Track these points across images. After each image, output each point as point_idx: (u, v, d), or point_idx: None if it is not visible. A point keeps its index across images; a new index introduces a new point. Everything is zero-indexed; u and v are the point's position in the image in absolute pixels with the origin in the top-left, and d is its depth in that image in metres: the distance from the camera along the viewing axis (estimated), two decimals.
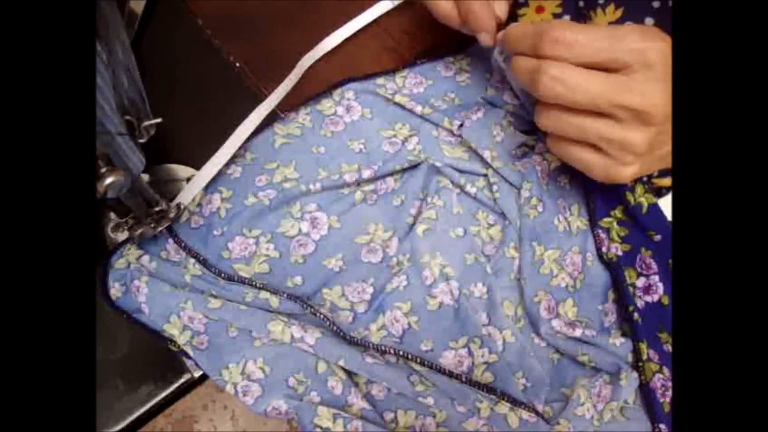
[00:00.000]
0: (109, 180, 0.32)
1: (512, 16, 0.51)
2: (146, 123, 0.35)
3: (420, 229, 0.40)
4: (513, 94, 0.44)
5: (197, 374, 0.38)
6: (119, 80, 0.31)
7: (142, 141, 0.35)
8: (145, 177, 0.40)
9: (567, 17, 0.45)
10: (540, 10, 0.46)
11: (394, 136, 0.45)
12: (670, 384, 0.37)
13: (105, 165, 0.32)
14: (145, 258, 0.39)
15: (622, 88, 0.32)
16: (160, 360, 0.38)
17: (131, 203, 0.38)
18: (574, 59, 0.33)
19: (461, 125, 0.44)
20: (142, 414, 0.37)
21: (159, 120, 0.35)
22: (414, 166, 0.43)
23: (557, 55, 0.33)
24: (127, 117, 0.33)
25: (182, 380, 0.38)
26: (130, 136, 0.33)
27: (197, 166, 0.44)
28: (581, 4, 0.43)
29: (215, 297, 0.38)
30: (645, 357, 0.37)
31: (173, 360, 0.38)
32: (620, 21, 0.41)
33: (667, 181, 0.44)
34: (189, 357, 0.37)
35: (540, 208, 0.41)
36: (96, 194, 0.34)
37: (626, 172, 0.34)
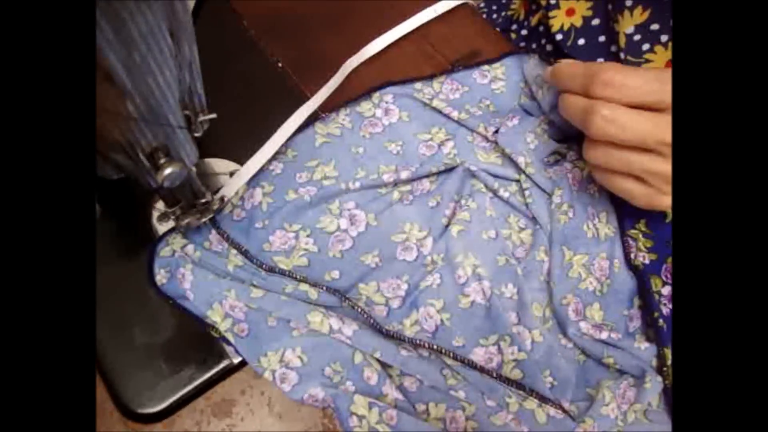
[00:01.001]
0: (167, 171, 0.33)
1: (542, 20, 0.53)
2: (202, 118, 0.36)
3: (454, 229, 0.42)
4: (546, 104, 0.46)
5: (236, 360, 0.39)
6: (183, 76, 0.33)
7: (197, 135, 0.36)
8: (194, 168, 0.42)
9: (597, 20, 0.46)
10: (570, 12, 0.48)
11: (431, 139, 0.46)
12: None
13: (164, 156, 0.34)
14: (190, 247, 0.41)
15: (669, 128, 0.34)
16: (201, 345, 0.40)
17: (180, 194, 0.39)
18: (624, 100, 0.35)
19: (496, 131, 0.45)
20: (183, 395, 0.38)
21: (214, 115, 0.37)
22: (449, 169, 0.45)
23: (607, 96, 0.35)
24: (186, 111, 0.35)
25: (222, 365, 0.39)
26: (187, 130, 0.35)
27: (238, 161, 0.45)
28: (609, 6, 0.45)
29: (257, 287, 0.40)
30: (669, 362, 0.38)
31: (213, 345, 0.40)
32: (647, 23, 0.43)
33: None
34: (229, 343, 0.39)
35: (570, 214, 0.43)
36: (154, 184, 0.36)
37: (667, 201, 0.37)
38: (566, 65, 0.39)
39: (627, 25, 0.43)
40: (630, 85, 0.35)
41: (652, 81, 0.35)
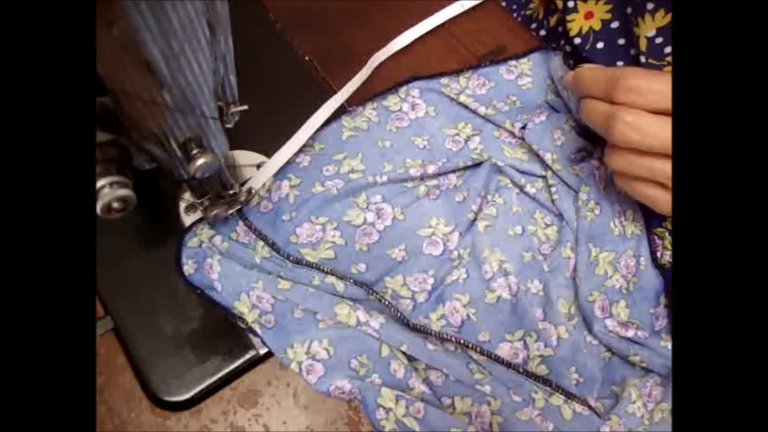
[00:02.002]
0: (200, 161, 0.33)
1: (561, 21, 0.52)
2: (234, 109, 0.36)
3: (481, 225, 0.42)
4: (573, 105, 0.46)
5: (262, 351, 0.39)
6: (217, 68, 0.33)
7: (228, 126, 0.37)
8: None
9: (616, 23, 0.46)
10: (589, 15, 0.47)
11: (457, 134, 0.46)
12: None
13: (197, 147, 0.34)
14: (217, 238, 0.41)
15: None
16: (227, 335, 0.40)
17: (209, 185, 0.40)
18: (648, 106, 0.35)
19: (524, 127, 0.45)
20: (210, 385, 0.38)
21: (245, 107, 0.37)
22: (476, 165, 0.45)
23: (631, 101, 0.35)
24: (219, 102, 0.35)
25: (248, 356, 0.39)
26: (219, 121, 0.35)
27: (265, 153, 0.46)
28: (629, 10, 0.44)
29: (284, 279, 0.40)
30: None
31: (240, 336, 0.40)
32: (668, 28, 0.42)
33: None
34: (256, 334, 0.39)
35: (597, 212, 0.43)
36: (186, 175, 0.36)
37: None
38: (588, 70, 0.39)
39: (648, 28, 0.42)
40: (654, 90, 0.34)
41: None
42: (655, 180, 0.37)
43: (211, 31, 0.30)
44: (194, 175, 0.34)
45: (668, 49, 0.42)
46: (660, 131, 0.34)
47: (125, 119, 0.32)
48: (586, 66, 0.40)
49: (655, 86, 0.34)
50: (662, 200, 0.37)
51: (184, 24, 0.28)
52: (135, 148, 0.35)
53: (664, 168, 0.35)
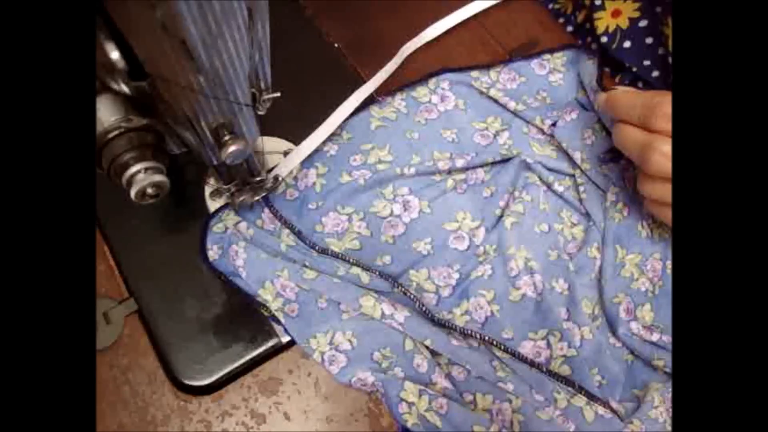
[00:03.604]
0: (232, 148, 0.33)
1: (588, 18, 0.51)
2: (266, 96, 0.36)
3: (508, 221, 0.41)
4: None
5: (285, 340, 0.39)
6: (253, 54, 0.33)
7: (260, 113, 0.36)
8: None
9: (644, 22, 0.45)
10: (617, 13, 0.46)
11: (486, 129, 0.46)
12: None
13: (228, 133, 0.34)
14: (243, 225, 0.41)
15: None
16: (250, 323, 0.40)
17: (236, 171, 0.39)
18: None
19: (554, 124, 0.45)
20: (232, 371, 0.39)
21: (278, 94, 0.37)
22: (505, 160, 0.44)
23: (668, 130, 0.34)
24: (252, 89, 0.35)
25: (270, 344, 0.39)
26: (252, 107, 0.35)
27: (292, 140, 0.45)
28: (658, 9, 0.44)
29: (309, 268, 0.40)
30: None
31: (263, 324, 0.40)
32: None
33: None
34: (279, 323, 0.39)
35: (625, 213, 0.42)
36: (216, 161, 0.36)
37: None
38: (623, 94, 0.38)
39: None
40: None
41: None
42: None
43: (249, 17, 0.30)
44: (224, 161, 0.34)
45: None
46: None
47: (160, 103, 0.32)
48: (621, 89, 0.39)
49: None
50: None
51: (225, 8, 0.28)
52: (167, 133, 0.35)
53: None
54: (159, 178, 0.30)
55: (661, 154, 0.34)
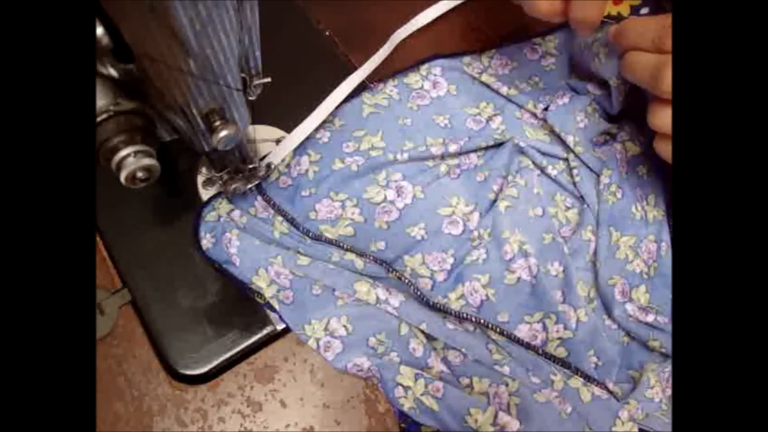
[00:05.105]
0: (223, 133, 0.33)
1: None
2: (257, 81, 0.36)
3: (502, 205, 0.41)
4: (597, 84, 0.45)
5: (279, 327, 0.39)
6: (243, 39, 0.32)
7: (251, 98, 0.36)
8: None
9: (645, 9, 0.45)
10: (617, 1, 0.46)
11: (479, 114, 0.46)
12: None
13: (219, 119, 0.34)
14: (236, 213, 0.41)
15: None
16: (244, 310, 0.40)
17: (228, 159, 0.39)
18: None
19: (546, 108, 0.45)
20: (227, 359, 0.38)
21: (268, 79, 0.36)
22: (498, 145, 0.44)
23: None
24: (242, 74, 0.35)
25: (265, 331, 0.39)
26: (243, 92, 0.35)
27: (284, 128, 0.45)
28: None
29: (303, 254, 0.40)
30: None
31: (257, 311, 0.40)
32: None
33: None
34: (274, 310, 0.39)
35: (619, 195, 0.42)
36: (207, 147, 0.36)
37: None
38: (635, 20, 0.36)
39: None
40: None
41: None
42: None
43: (239, 4, 0.30)
44: (216, 146, 0.34)
45: None
46: None
47: (150, 88, 0.31)
48: (631, 18, 0.38)
49: None
50: None
51: None
52: (158, 119, 0.34)
53: None
54: (149, 161, 0.29)
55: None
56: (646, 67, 0.35)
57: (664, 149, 0.37)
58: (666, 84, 0.33)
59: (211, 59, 0.30)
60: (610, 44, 0.38)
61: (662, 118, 0.35)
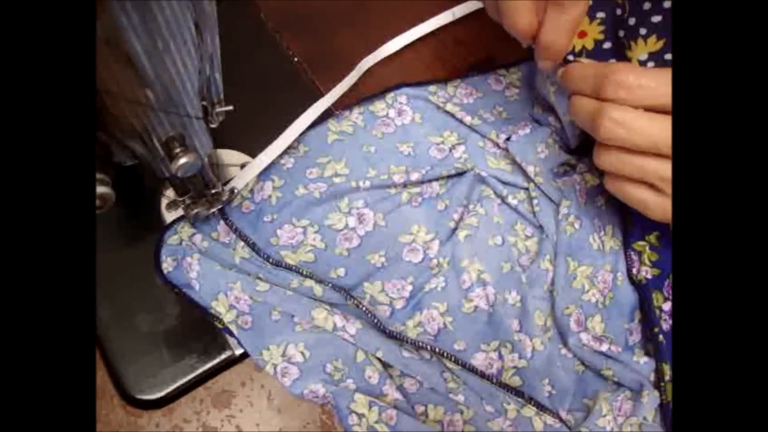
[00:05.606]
0: (182, 160, 0.33)
1: None
2: (219, 109, 0.36)
3: (461, 234, 0.42)
4: (557, 117, 0.46)
5: (238, 352, 0.39)
6: (203, 67, 0.33)
7: (213, 126, 0.36)
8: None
9: (608, 44, 0.46)
10: (582, 34, 0.48)
11: (442, 142, 0.46)
12: None
13: (179, 146, 0.34)
14: (198, 237, 0.41)
15: None
16: (203, 335, 0.40)
17: (191, 183, 0.40)
18: (636, 102, 0.33)
19: (508, 138, 0.46)
20: (184, 384, 0.38)
21: (230, 107, 0.37)
22: (459, 174, 0.45)
23: (619, 98, 0.34)
24: (203, 102, 0.35)
25: (223, 356, 0.39)
26: (204, 120, 0.35)
27: (249, 153, 0.46)
28: (621, 33, 0.45)
29: (262, 280, 0.40)
30: (667, 377, 0.39)
31: (216, 336, 0.40)
32: (661, 53, 0.43)
33: None
34: (232, 335, 0.39)
35: (577, 226, 0.43)
36: (167, 173, 0.36)
37: None
38: (578, 66, 0.38)
39: (641, 52, 0.43)
40: (644, 86, 0.33)
41: (667, 82, 0.33)
42: (646, 181, 0.35)
43: (197, 30, 0.30)
44: (176, 173, 0.34)
45: None
46: (647, 128, 0.33)
47: (107, 116, 0.32)
48: (576, 62, 0.39)
49: (645, 82, 0.33)
50: (653, 204, 0.35)
51: (170, 22, 0.28)
52: (117, 145, 0.35)
53: (655, 167, 0.34)
54: (103, 189, 0.30)
55: (611, 120, 0.34)
56: (587, 113, 0.35)
57: (613, 187, 0.38)
58: (601, 132, 0.34)
59: (168, 88, 0.31)
60: (560, 84, 0.39)
61: (605, 160, 0.36)
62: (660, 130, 0.33)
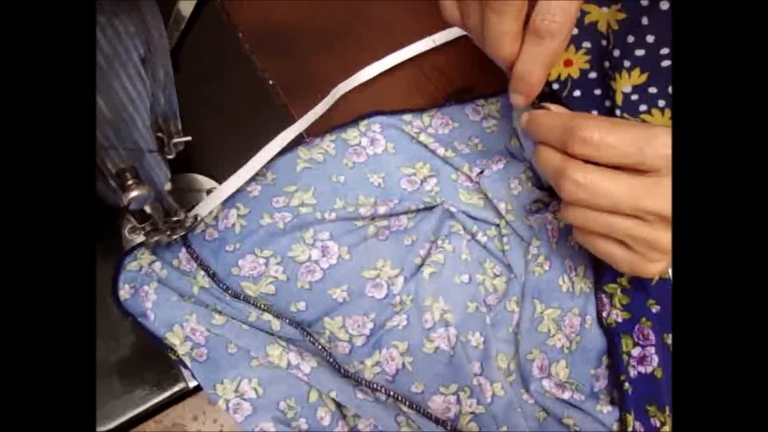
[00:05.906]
0: (134, 193, 0.33)
1: None
2: (176, 140, 0.36)
3: (427, 271, 0.41)
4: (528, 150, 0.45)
5: (191, 385, 0.39)
6: (157, 101, 0.32)
7: (170, 157, 0.36)
8: (168, 185, 0.41)
9: (594, 74, 0.45)
10: (568, 63, 0.47)
11: (414, 174, 0.45)
12: None
13: (132, 178, 0.33)
14: (157, 264, 0.40)
15: (647, 192, 0.32)
16: (157, 366, 0.39)
17: (151, 211, 0.39)
18: (602, 160, 0.33)
19: (481, 173, 0.45)
20: (134, 416, 0.38)
21: (188, 138, 0.36)
22: (429, 208, 0.44)
23: (584, 154, 0.33)
24: (159, 134, 0.34)
25: (176, 388, 0.39)
26: (159, 152, 0.34)
27: (216, 177, 0.45)
28: (607, 64, 0.44)
29: (219, 313, 0.39)
30: (630, 428, 0.38)
31: (170, 368, 0.39)
32: (645, 86, 0.42)
33: None
34: (186, 367, 0.38)
35: (546, 267, 0.42)
36: (119, 203, 0.35)
37: (653, 268, 0.34)
38: (545, 115, 0.37)
39: (624, 84, 0.42)
40: (609, 143, 0.32)
41: (635, 140, 0.32)
42: (613, 237, 0.34)
43: (145, 65, 0.30)
44: (128, 205, 0.33)
45: (643, 107, 0.42)
46: (610, 189, 0.32)
47: None
48: (543, 111, 0.38)
49: (611, 139, 0.32)
50: (621, 259, 0.35)
51: (108, 56, 0.27)
52: None
53: (622, 225, 0.33)
54: None
55: (573, 182, 0.33)
56: (552, 168, 0.35)
57: (581, 240, 0.37)
58: (564, 194, 0.34)
59: (117, 124, 0.30)
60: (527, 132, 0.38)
61: (572, 215, 0.35)
62: (622, 192, 0.32)
